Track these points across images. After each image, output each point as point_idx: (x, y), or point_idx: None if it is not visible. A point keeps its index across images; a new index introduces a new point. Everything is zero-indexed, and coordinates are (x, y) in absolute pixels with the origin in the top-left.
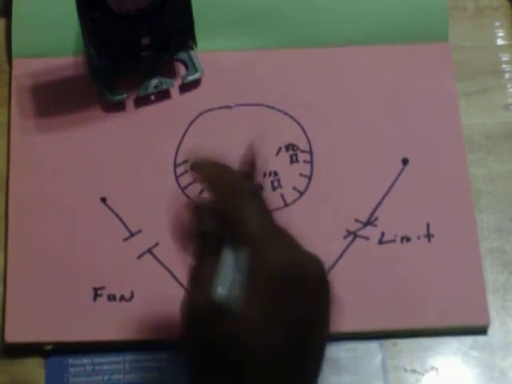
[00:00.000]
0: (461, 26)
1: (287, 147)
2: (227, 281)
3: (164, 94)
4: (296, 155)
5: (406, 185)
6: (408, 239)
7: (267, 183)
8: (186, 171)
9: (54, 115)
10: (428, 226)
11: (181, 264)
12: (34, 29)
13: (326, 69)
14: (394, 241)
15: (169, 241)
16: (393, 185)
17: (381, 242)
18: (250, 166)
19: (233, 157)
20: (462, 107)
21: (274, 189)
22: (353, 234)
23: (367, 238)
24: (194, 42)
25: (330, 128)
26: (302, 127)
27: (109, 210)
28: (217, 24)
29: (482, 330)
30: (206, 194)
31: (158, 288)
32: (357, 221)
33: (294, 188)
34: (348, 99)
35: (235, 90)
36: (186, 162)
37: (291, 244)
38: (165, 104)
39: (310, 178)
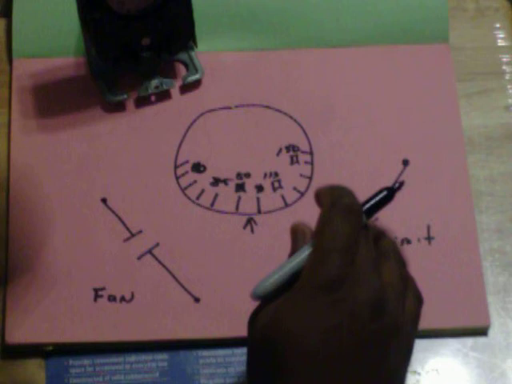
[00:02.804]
0: (461, 27)
1: (288, 148)
2: (276, 277)
3: (164, 95)
4: (296, 156)
5: (406, 186)
6: (408, 241)
7: (268, 184)
8: (186, 172)
9: (55, 115)
10: (428, 228)
11: (181, 265)
12: (35, 29)
13: (327, 69)
14: None
15: (169, 241)
16: None
17: None
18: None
19: (233, 157)
20: (462, 108)
21: (274, 189)
22: None
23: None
24: (195, 43)
25: (330, 129)
26: (302, 128)
27: (109, 210)
28: (217, 24)
29: (482, 332)
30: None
31: (159, 289)
32: None
33: (295, 189)
34: (349, 100)
35: (236, 90)
36: (186, 162)
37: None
38: (165, 104)
39: (310, 178)
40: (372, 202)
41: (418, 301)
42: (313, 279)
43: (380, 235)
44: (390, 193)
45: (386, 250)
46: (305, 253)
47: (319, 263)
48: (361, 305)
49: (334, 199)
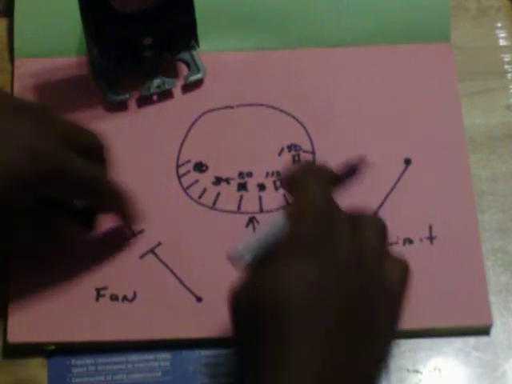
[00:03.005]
0: (463, 27)
1: (289, 147)
2: (254, 240)
3: (166, 94)
4: (298, 155)
5: (408, 185)
6: (410, 241)
7: (270, 183)
8: (188, 171)
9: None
10: (430, 227)
11: (183, 264)
12: (37, 28)
13: (329, 69)
14: (396, 243)
15: (171, 240)
16: (395, 185)
17: None
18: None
19: (235, 156)
20: (463, 107)
21: (276, 189)
22: None
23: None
24: (197, 42)
25: (332, 128)
26: (304, 127)
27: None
28: (219, 24)
29: (484, 331)
30: None
31: (161, 288)
32: None
33: None
34: (350, 99)
35: (238, 90)
36: (188, 162)
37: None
38: (167, 104)
39: None
40: (342, 172)
41: (403, 263)
42: (293, 240)
43: (359, 212)
44: (353, 170)
45: (363, 216)
46: (281, 220)
47: (298, 222)
48: (339, 262)
49: (304, 167)
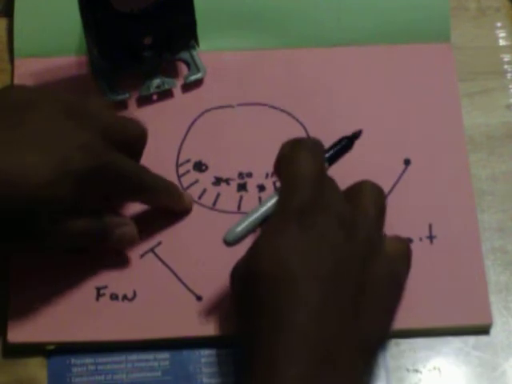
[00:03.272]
0: (463, 27)
1: None
2: (246, 223)
3: (166, 94)
4: None
5: (408, 185)
6: (410, 241)
7: (270, 184)
8: (187, 171)
9: None
10: (430, 227)
11: (183, 263)
12: (36, 28)
13: (329, 69)
14: None
15: (171, 240)
16: (395, 185)
17: None
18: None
19: (235, 156)
20: (463, 107)
21: (276, 189)
22: None
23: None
24: (197, 42)
25: (331, 128)
26: (304, 127)
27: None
28: (219, 23)
29: (484, 330)
30: None
31: (161, 287)
32: None
33: None
34: (350, 99)
35: (238, 89)
36: (188, 161)
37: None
38: (167, 103)
39: None
40: (332, 150)
41: (404, 243)
42: (283, 208)
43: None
44: (349, 141)
45: (360, 186)
46: (274, 198)
47: (289, 193)
48: (330, 228)
49: (292, 142)
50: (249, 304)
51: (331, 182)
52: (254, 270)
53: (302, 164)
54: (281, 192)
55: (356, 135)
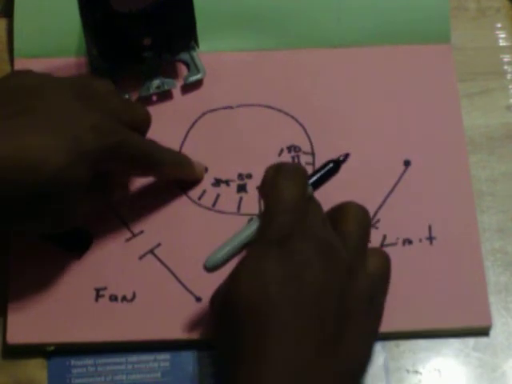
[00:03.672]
0: (462, 27)
1: (289, 148)
2: (227, 248)
3: (166, 95)
4: (298, 157)
5: (408, 186)
6: (410, 242)
7: None
8: None
9: None
10: (430, 228)
11: (183, 264)
12: (36, 29)
13: (329, 70)
14: (395, 244)
15: (171, 241)
16: (395, 187)
17: (382, 244)
18: None
19: (235, 157)
20: (463, 108)
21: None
22: None
23: (369, 241)
24: (196, 43)
25: (331, 129)
26: (304, 128)
27: (111, 211)
28: (219, 24)
29: (484, 332)
30: None
31: (160, 289)
32: None
33: None
34: (350, 100)
35: (237, 90)
36: None
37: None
38: (167, 104)
39: None
40: (318, 174)
41: (383, 255)
42: (264, 235)
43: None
44: (336, 165)
45: (345, 208)
46: (255, 224)
47: (269, 219)
48: (309, 255)
49: (274, 167)
50: (228, 328)
51: (314, 207)
52: (234, 294)
53: (283, 190)
54: (262, 218)
55: (343, 159)
